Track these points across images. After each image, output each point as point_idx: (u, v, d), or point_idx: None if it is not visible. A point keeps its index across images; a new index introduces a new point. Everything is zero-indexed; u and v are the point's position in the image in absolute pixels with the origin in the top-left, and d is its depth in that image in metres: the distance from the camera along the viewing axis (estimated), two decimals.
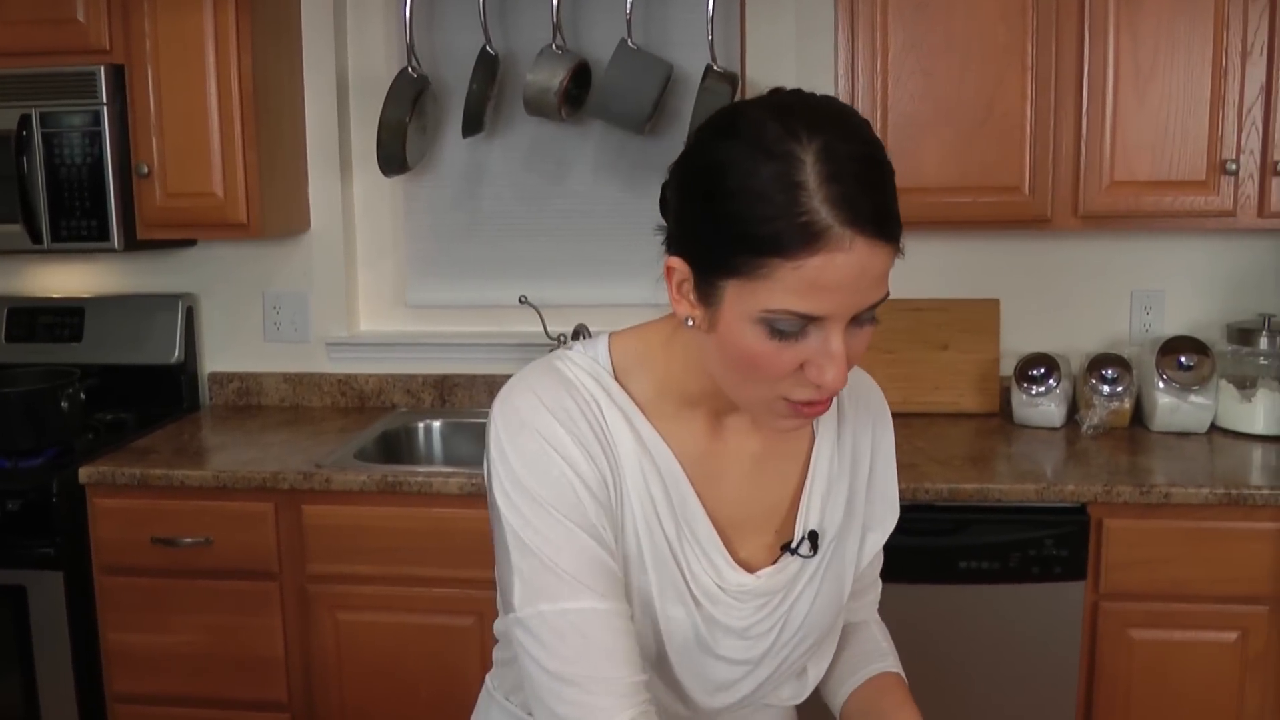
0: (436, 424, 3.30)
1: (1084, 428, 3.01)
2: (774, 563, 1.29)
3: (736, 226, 1.06)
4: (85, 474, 2.84)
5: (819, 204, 1.03)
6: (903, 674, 1.44)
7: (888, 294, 1.11)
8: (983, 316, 3.21)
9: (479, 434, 3.27)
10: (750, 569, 1.28)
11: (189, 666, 2.90)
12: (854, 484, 1.35)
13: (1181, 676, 2.62)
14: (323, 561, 2.80)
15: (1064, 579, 2.58)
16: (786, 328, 1.08)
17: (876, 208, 1.06)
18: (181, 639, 2.89)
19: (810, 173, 1.04)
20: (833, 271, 1.04)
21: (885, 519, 1.40)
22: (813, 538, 1.30)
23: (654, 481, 1.23)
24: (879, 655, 1.45)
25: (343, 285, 3.45)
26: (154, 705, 2.94)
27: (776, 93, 1.14)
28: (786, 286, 1.05)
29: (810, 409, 1.15)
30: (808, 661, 1.38)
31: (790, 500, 1.32)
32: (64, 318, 3.47)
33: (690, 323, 1.15)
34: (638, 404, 1.24)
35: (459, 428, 3.30)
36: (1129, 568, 2.59)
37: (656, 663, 1.27)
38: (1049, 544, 2.57)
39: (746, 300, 1.08)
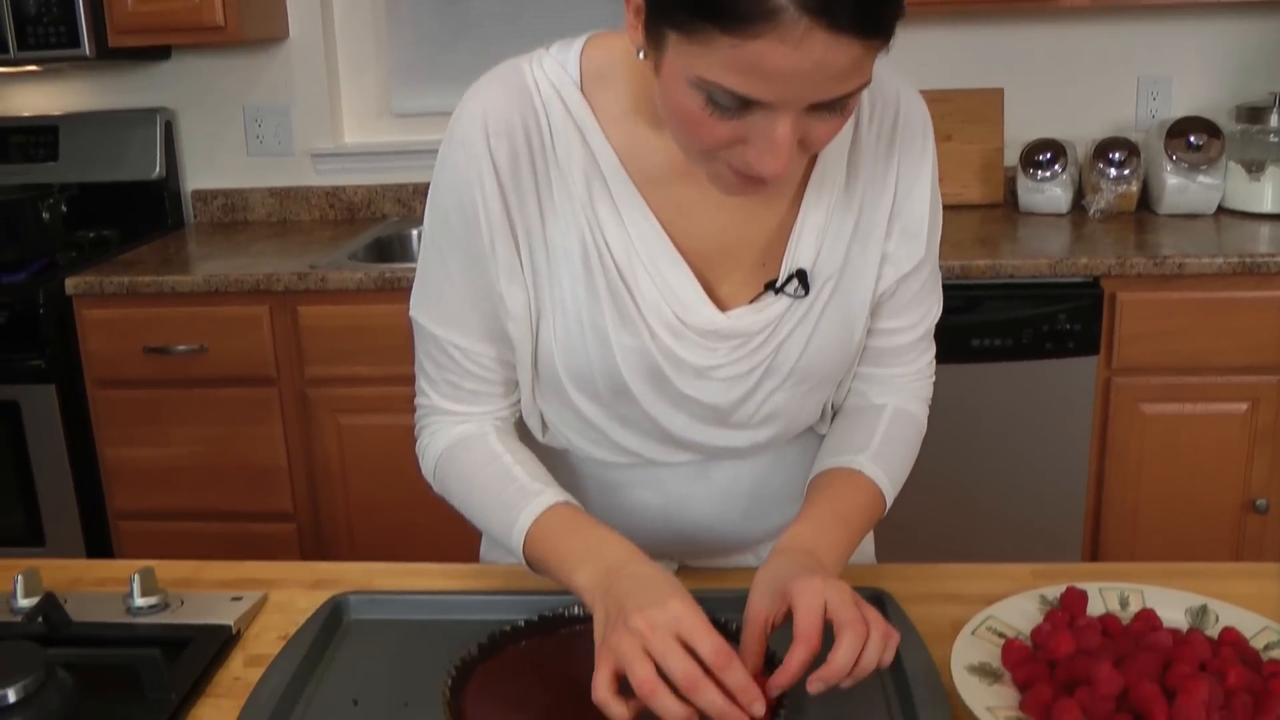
0: None
1: (1090, 211, 2.96)
2: (751, 301, 1.17)
3: None
4: (71, 284, 2.77)
5: None
6: (876, 474, 1.21)
7: (866, 83, 0.93)
8: (986, 106, 3.13)
9: None
10: (730, 306, 1.17)
11: (190, 479, 2.87)
12: (868, 217, 1.18)
13: (1192, 449, 2.61)
14: (321, 364, 2.75)
15: (1077, 354, 2.55)
16: (724, 102, 0.92)
17: None
18: (181, 451, 2.85)
19: None
20: (777, 60, 0.87)
21: (900, 255, 1.20)
22: (801, 277, 1.16)
23: (603, 205, 1.13)
24: (854, 449, 1.23)
25: (325, 96, 3.34)
26: (157, 520, 2.91)
27: None
28: (723, 61, 0.89)
29: (751, 185, 1.01)
30: (832, 391, 1.29)
31: (777, 233, 1.17)
32: (38, 136, 3.36)
33: (641, 55, 1.00)
34: (599, 119, 1.13)
35: None
36: (1141, 341, 2.56)
37: (621, 395, 1.19)
38: (1062, 319, 2.53)
39: (685, 59, 0.92)
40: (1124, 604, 1.14)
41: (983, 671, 1.03)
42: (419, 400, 1.30)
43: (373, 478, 2.81)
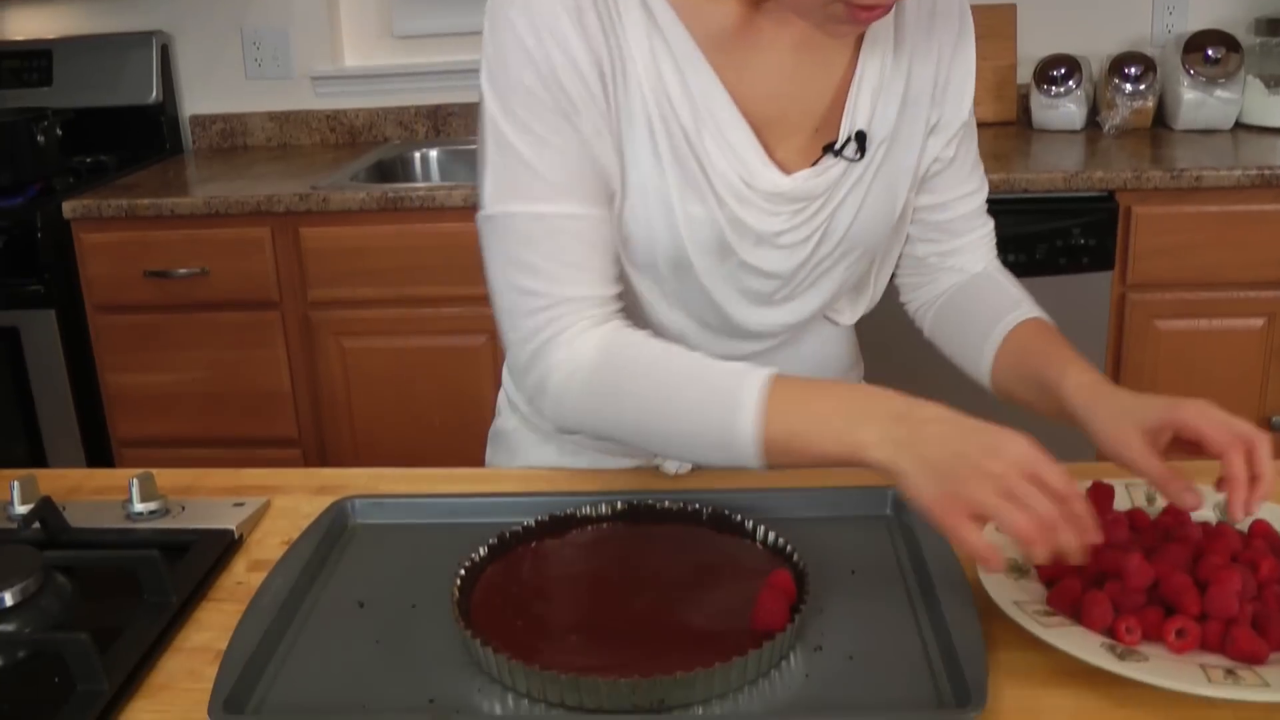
0: (434, 153, 3.18)
1: (1105, 128, 2.90)
2: (813, 164, 1.15)
3: None
4: (69, 208, 2.72)
5: None
6: (1044, 315, 1.23)
7: None
8: (999, 22, 3.06)
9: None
10: (787, 171, 1.15)
11: (193, 405, 2.84)
12: (915, 83, 1.18)
13: (1207, 366, 2.58)
14: (324, 287, 2.71)
15: (1091, 270, 2.51)
16: None
17: None
18: (184, 376, 2.81)
19: None
20: None
21: (952, 120, 1.21)
22: (859, 139, 1.15)
23: (667, 66, 1.09)
24: (1010, 305, 1.24)
25: (325, 17, 3.27)
26: (161, 448, 2.88)
27: None
28: None
29: (869, 14, 1.01)
30: (865, 277, 1.29)
31: (833, 97, 1.16)
32: (31, 61, 3.30)
33: None
34: None
35: (457, 155, 3.17)
36: (1157, 256, 2.52)
37: (681, 269, 1.16)
38: (1076, 233, 2.49)
39: None
40: (1150, 500, 1.10)
41: (1008, 567, 1.00)
42: (534, 313, 1.08)
43: (377, 401, 2.78)
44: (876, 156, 1.17)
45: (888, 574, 1.04)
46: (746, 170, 1.12)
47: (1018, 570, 1.00)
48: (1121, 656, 0.87)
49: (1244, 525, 1.02)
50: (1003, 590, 0.96)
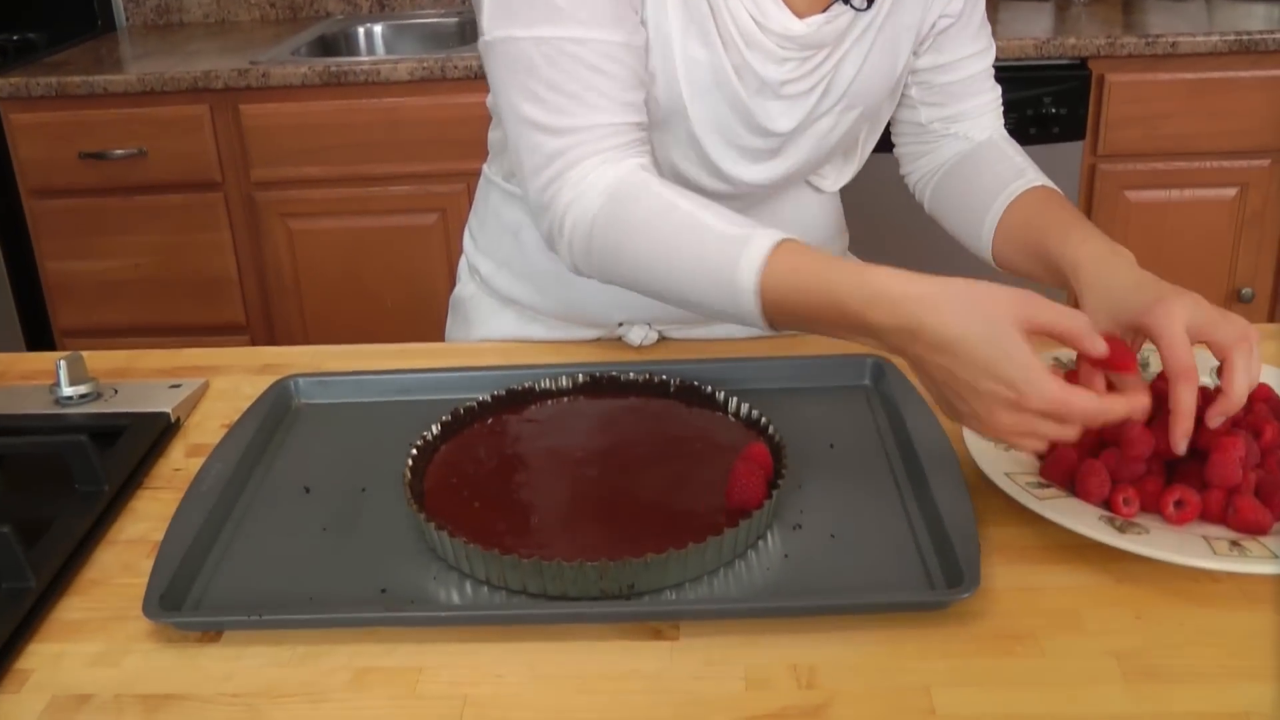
0: (378, 28, 3.04)
1: None
2: (823, 10, 1.09)
3: None
4: None
5: None
6: (1050, 183, 1.16)
7: None
8: None
9: (425, 35, 3.03)
10: (798, 16, 1.08)
11: (138, 292, 2.74)
12: None
13: (1177, 237, 2.53)
14: (267, 166, 2.60)
15: (1062, 139, 2.44)
16: None
17: None
18: (126, 262, 2.71)
19: None
20: None
21: None
22: None
23: None
24: (1014, 174, 1.17)
25: None
26: (105, 337, 2.78)
27: None
28: None
29: None
30: (857, 136, 1.22)
31: None
32: None
33: None
34: None
35: (403, 30, 3.04)
36: (1130, 125, 2.45)
37: (675, 116, 1.08)
38: (1047, 102, 2.41)
39: None
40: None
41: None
42: (538, 147, 1.00)
43: (327, 284, 2.69)
44: (883, 8, 1.11)
45: (869, 447, 0.99)
46: (760, 10, 1.06)
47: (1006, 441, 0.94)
48: (1121, 529, 0.82)
49: None
50: (992, 461, 0.90)
